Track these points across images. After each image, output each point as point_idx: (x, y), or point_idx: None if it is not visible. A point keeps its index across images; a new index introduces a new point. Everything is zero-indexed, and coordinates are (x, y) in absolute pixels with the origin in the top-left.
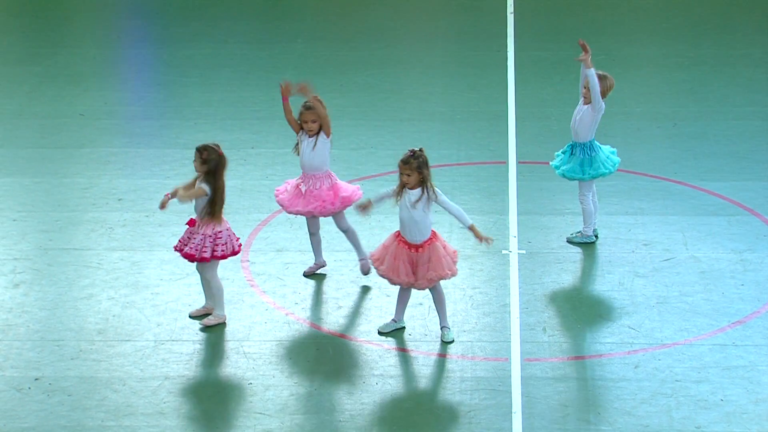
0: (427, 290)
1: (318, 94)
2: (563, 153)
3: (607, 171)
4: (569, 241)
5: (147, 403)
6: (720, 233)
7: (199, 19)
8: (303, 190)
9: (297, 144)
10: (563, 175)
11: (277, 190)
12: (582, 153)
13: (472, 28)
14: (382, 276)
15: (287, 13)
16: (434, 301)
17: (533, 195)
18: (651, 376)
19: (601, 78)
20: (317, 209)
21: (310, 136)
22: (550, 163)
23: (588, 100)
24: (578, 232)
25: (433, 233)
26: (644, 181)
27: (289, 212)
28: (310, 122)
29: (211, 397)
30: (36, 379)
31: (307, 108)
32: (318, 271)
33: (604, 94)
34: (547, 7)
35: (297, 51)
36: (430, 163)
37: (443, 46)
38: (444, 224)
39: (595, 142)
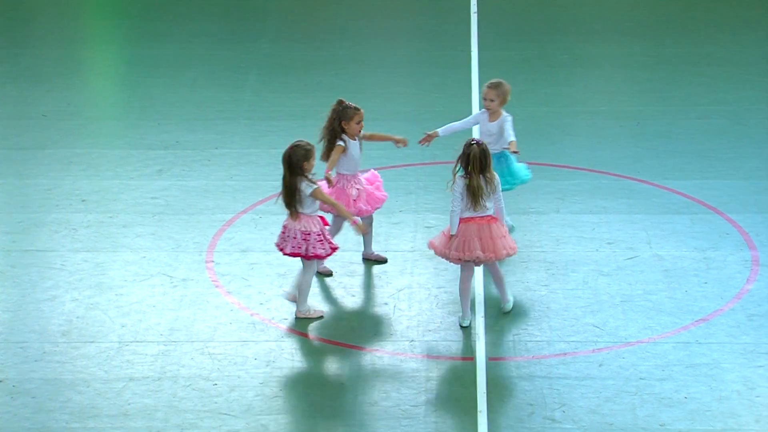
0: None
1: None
2: None
3: (508, 186)
4: None
5: (111, 405)
6: (683, 232)
7: (162, 19)
8: (355, 192)
9: (328, 151)
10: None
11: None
12: (498, 163)
13: (436, 28)
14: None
15: (251, 12)
16: (495, 280)
17: None
18: (615, 374)
19: (495, 86)
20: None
21: (355, 139)
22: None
23: (494, 118)
24: None
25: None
26: (608, 180)
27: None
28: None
29: (176, 398)
30: (0, 381)
31: (358, 109)
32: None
33: (504, 102)
34: (511, 7)
35: (261, 51)
36: (395, 162)
37: (407, 46)
38: (409, 224)
39: (507, 153)
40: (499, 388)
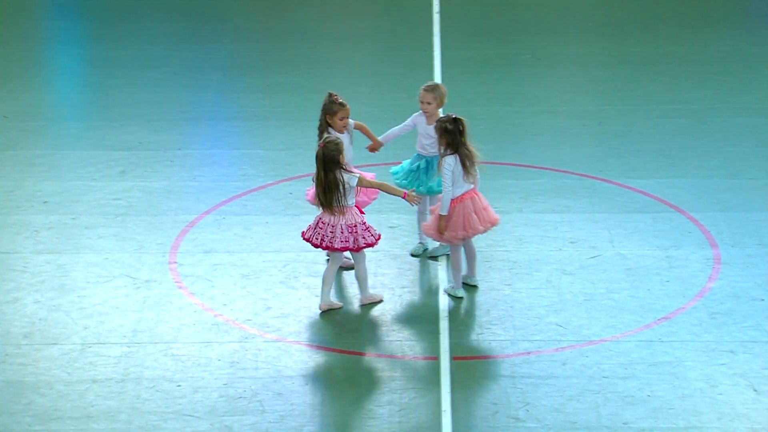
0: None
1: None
2: (416, 170)
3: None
4: (430, 257)
5: (74, 407)
6: (645, 230)
7: (124, 19)
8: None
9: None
10: (429, 192)
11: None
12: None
13: (398, 28)
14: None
15: (213, 13)
16: (468, 255)
17: None
18: (579, 372)
19: (432, 89)
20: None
21: (344, 132)
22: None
23: (432, 121)
24: (440, 244)
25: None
26: (570, 180)
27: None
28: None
29: (140, 399)
30: None
31: (343, 105)
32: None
33: (441, 105)
34: (473, 7)
35: (223, 51)
36: (357, 163)
37: (370, 46)
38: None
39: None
40: (463, 388)
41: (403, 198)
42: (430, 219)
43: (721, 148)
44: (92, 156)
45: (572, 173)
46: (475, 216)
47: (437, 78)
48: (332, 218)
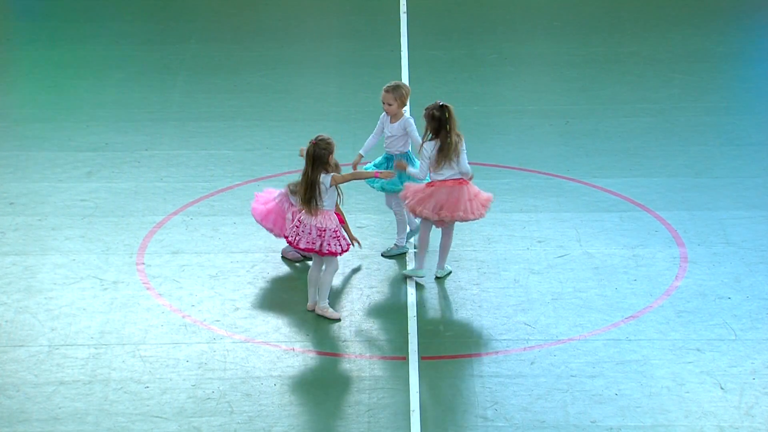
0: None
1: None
2: (376, 166)
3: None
4: (385, 255)
5: (41, 409)
6: (612, 229)
7: (89, 20)
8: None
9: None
10: (382, 189)
11: None
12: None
13: (365, 28)
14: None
15: (179, 13)
16: (442, 243)
17: None
18: (547, 371)
19: (393, 89)
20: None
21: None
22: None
23: (395, 120)
24: (394, 245)
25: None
26: (537, 179)
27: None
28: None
29: (107, 401)
30: None
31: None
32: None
33: (403, 104)
34: (440, 7)
35: (190, 51)
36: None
37: (337, 46)
38: None
39: (410, 153)
40: (431, 388)
41: (376, 176)
42: (414, 195)
43: (687, 146)
44: (58, 157)
45: (539, 173)
46: (465, 203)
47: (404, 78)
48: (307, 218)
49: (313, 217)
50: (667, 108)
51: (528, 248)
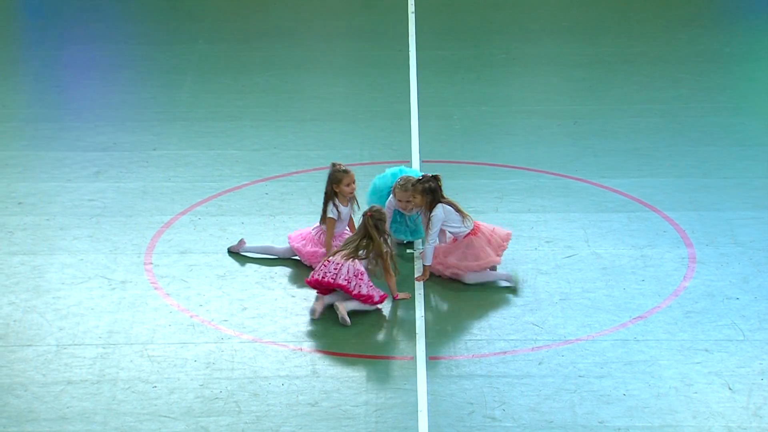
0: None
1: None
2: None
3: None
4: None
5: (49, 409)
6: (621, 230)
7: (98, 20)
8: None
9: (324, 214)
10: (415, 237)
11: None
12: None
13: (373, 28)
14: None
15: (187, 13)
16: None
17: None
18: (554, 371)
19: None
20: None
21: (347, 204)
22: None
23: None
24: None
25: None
26: (545, 179)
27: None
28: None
29: (115, 401)
30: None
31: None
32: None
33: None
34: (448, 7)
35: (198, 52)
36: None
37: (345, 46)
38: None
39: None
40: (439, 388)
41: (395, 299)
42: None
43: (695, 147)
44: (67, 157)
45: (547, 173)
46: (488, 248)
47: (412, 78)
48: (342, 260)
49: (350, 261)
50: (675, 108)
51: (536, 248)
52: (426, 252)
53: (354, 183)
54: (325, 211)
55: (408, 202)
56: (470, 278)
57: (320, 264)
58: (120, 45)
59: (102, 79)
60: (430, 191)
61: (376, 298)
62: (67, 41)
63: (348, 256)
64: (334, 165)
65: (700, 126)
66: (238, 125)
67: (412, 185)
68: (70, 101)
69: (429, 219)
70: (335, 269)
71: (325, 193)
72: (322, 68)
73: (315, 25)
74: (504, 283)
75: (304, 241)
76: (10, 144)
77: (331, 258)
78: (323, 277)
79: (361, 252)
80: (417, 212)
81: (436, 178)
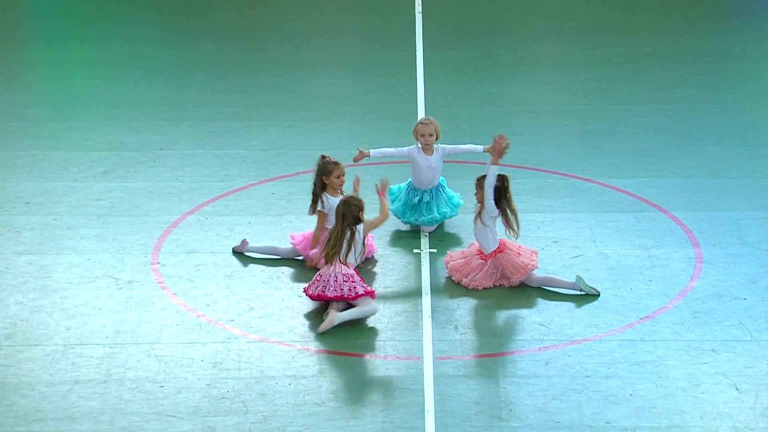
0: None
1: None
2: (416, 204)
3: (452, 213)
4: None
5: (57, 408)
6: (628, 230)
7: (105, 19)
8: None
9: (313, 206)
10: (417, 222)
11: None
12: (437, 194)
13: (380, 28)
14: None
15: (195, 13)
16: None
17: None
18: (561, 372)
19: (432, 121)
20: None
21: (338, 194)
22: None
23: (431, 152)
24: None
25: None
26: (553, 179)
27: None
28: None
29: (122, 400)
30: None
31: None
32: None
33: (438, 137)
34: (455, 7)
35: (205, 51)
36: (341, 163)
37: (352, 46)
38: None
39: (443, 180)
40: (446, 387)
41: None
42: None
43: (702, 147)
44: (74, 156)
45: (555, 173)
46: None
47: (419, 78)
48: (326, 269)
49: (332, 266)
50: (682, 108)
51: (543, 248)
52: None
53: (344, 175)
54: (315, 203)
55: (431, 136)
56: (534, 280)
57: (314, 277)
58: (127, 45)
59: (109, 79)
60: (495, 189)
61: (372, 289)
62: (74, 41)
63: (328, 260)
64: (323, 157)
65: (707, 126)
66: (245, 125)
67: (477, 179)
68: (78, 101)
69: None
70: (324, 283)
71: (314, 185)
72: (329, 68)
73: (322, 25)
74: (571, 291)
75: (305, 242)
76: (18, 144)
77: (321, 272)
78: (319, 294)
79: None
80: (438, 184)
81: (503, 177)
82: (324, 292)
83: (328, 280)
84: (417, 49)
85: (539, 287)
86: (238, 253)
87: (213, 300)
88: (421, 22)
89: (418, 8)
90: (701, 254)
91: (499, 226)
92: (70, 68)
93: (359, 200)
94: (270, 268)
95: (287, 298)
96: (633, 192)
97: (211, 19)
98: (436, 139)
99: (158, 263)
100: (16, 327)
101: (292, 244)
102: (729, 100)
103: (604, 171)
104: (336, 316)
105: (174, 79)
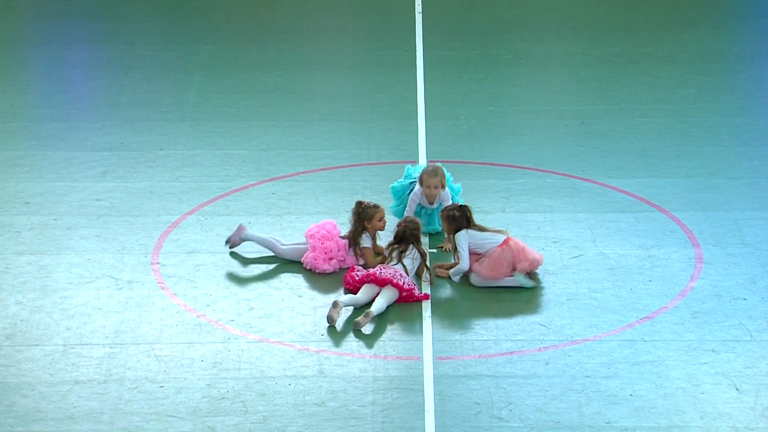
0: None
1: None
2: (418, 212)
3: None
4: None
5: (57, 408)
6: (628, 230)
7: (105, 20)
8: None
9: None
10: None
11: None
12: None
13: (380, 28)
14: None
15: (195, 13)
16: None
17: None
18: (561, 372)
19: (437, 170)
20: None
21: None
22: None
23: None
24: None
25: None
26: (552, 179)
27: None
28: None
29: (122, 400)
30: None
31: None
32: None
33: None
34: (455, 7)
35: (205, 51)
36: (341, 163)
37: (352, 46)
38: None
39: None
40: (446, 388)
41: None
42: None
43: (702, 147)
44: (74, 157)
45: (554, 173)
46: (505, 265)
47: (419, 78)
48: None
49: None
50: (682, 109)
51: (543, 248)
52: (454, 272)
53: (385, 216)
54: (354, 246)
55: (436, 188)
56: (476, 281)
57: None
58: (127, 45)
59: (109, 79)
60: (453, 219)
61: (417, 292)
62: (74, 41)
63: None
64: (360, 203)
65: (707, 126)
66: (245, 125)
67: (441, 211)
68: (78, 101)
69: (454, 243)
70: (385, 270)
71: (353, 232)
72: (329, 68)
73: (322, 25)
74: (515, 283)
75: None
76: (18, 144)
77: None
78: (378, 273)
79: (403, 256)
80: (439, 203)
81: (463, 208)
82: (381, 274)
83: (386, 269)
84: (417, 49)
85: (485, 287)
86: (233, 244)
87: (213, 300)
88: (421, 22)
89: (418, 8)
90: (701, 254)
91: (500, 225)
92: (69, 68)
93: (416, 221)
94: (270, 268)
95: (287, 298)
96: (633, 192)
97: (211, 19)
98: (441, 188)
99: (158, 263)
100: (16, 327)
101: (308, 243)
102: (729, 100)
103: (604, 171)
104: (373, 310)
105: (174, 80)
